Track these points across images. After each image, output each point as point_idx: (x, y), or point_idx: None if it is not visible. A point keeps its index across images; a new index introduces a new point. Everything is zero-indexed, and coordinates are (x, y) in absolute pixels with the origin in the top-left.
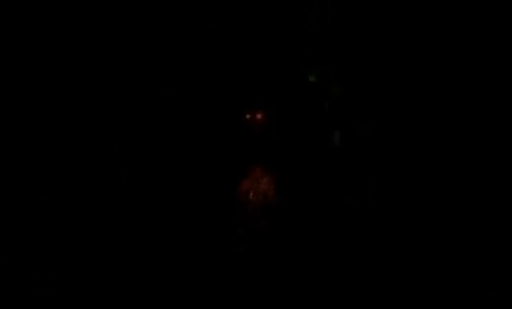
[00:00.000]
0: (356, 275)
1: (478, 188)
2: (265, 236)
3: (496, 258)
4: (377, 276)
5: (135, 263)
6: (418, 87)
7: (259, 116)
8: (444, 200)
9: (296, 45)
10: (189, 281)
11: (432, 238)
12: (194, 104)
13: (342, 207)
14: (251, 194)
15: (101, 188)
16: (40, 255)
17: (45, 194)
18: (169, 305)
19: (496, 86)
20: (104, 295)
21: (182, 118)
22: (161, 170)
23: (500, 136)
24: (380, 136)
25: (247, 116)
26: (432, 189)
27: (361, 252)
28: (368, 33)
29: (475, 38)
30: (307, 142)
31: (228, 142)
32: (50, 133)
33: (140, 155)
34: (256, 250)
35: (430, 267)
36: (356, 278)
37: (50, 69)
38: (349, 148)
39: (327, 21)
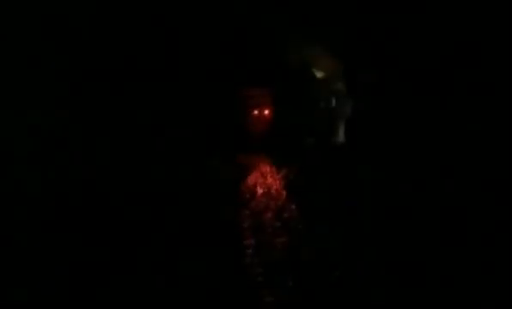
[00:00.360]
0: (359, 273)
1: (479, 186)
2: (271, 229)
3: (495, 258)
4: (379, 273)
5: (140, 259)
6: (421, 84)
7: (266, 112)
8: (446, 195)
9: (303, 43)
10: (195, 274)
11: (433, 234)
12: (202, 100)
13: (346, 201)
14: (257, 188)
15: (107, 185)
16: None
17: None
18: (176, 297)
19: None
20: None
21: (190, 115)
22: (168, 165)
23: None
24: (384, 131)
25: (255, 112)
26: (434, 183)
27: (363, 249)
28: (372, 31)
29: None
30: (313, 136)
31: (236, 137)
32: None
33: (147, 151)
34: (262, 242)
35: (431, 265)
36: (360, 275)
37: (50, 68)
38: (353, 142)
39: (334, 20)
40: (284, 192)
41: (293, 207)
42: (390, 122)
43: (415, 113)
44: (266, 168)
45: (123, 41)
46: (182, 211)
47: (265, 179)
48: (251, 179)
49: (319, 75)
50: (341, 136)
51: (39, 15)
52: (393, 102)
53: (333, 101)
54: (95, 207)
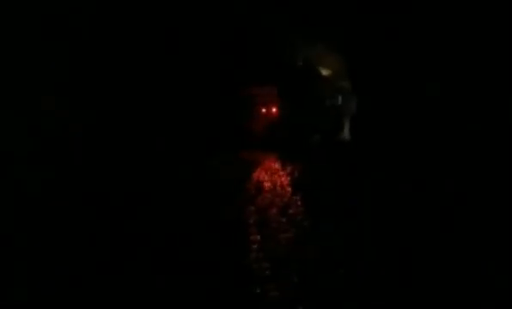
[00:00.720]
0: (363, 271)
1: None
2: (276, 225)
3: (496, 258)
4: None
5: (142, 258)
6: (422, 84)
7: (273, 109)
8: (446, 195)
9: (308, 41)
10: (201, 268)
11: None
12: (207, 100)
13: (351, 197)
14: (263, 183)
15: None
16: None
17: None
18: (180, 293)
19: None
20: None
21: (195, 114)
22: (170, 164)
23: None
24: (387, 129)
25: (262, 110)
26: (434, 183)
27: (368, 247)
28: (376, 30)
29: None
30: (319, 134)
31: (242, 136)
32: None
33: (148, 151)
34: (267, 238)
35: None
36: (364, 273)
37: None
38: (358, 140)
39: (338, 19)
40: (290, 189)
41: (298, 204)
42: (393, 120)
43: (416, 112)
44: (272, 166)
45: (124, 41)
46: (186, 208)
47: (271, 177)
48: (256, 177)
49: (324, 72)
50: (346, 133)
51: (39, 15)
52: (396, 100)
53: (339, 99)
54: (95, 207)
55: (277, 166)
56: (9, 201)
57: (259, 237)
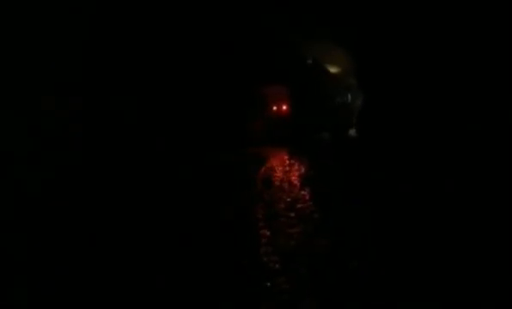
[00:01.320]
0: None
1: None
2: (284, 219)
3: (495, 258)
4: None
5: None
6: (423, 84)
7: (284, 107)
8: (446, 195)
9: (317, 41)
10: (207, 262)
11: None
12: (223, 98)
13: (358, 195)
14: (271, 178)
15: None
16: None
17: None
18: (195, 282)
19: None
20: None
21: (213, 110)
22: (187, 153)
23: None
24: (391, 125)
25: (274, 107)
26: (434, 183)
27: (374, 245)
28: (382, 32)
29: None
30: (329, 130)
31: (255, 131)
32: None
33: (149, 150)
34: (274, 232)
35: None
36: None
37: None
38: (364, 136)
39: (346, 19)
40: (298, 185)
41: (306, 197)
42: (396, 117)
43: (417, 110)
44: (281, 162)
45: (125, 41)
46: (196, 203)
47: (279, 173)
48: (265, 172)
49: (332, 70)
50: (353, 129)
51: (39, 15)
52: (399, 97)
53: (349, 97)
54: (95, 207)
55: (286, 162)
56: (9, 201)
57: (270, 227)
